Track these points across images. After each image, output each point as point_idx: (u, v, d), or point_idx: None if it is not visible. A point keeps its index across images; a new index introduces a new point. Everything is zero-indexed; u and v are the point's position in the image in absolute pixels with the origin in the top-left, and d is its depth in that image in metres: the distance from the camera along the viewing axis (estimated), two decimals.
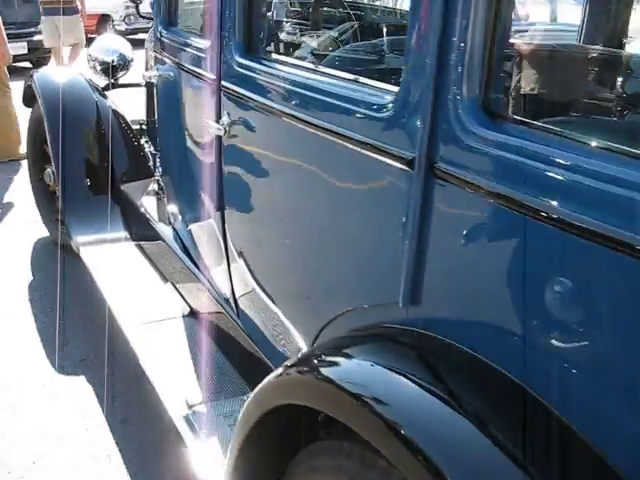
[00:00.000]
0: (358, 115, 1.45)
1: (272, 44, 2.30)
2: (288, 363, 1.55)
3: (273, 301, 2.13)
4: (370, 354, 1.45)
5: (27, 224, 4.57)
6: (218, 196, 2.17)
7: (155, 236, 3.33)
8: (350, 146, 1.48)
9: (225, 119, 2.02)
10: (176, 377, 2.44)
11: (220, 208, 2.18)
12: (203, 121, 2.21)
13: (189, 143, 2.60)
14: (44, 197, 4.17)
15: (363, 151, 1.44)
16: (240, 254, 2.23)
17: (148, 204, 3.48)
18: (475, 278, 1.28)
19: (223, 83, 2.05)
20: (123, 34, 10.67)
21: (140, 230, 3.40)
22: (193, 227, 2.87)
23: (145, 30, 11.61)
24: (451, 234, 1.30)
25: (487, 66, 1.21)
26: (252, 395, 1.62)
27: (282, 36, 2.45)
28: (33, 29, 9.34)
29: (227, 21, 1.98)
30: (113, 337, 2.94)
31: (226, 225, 2.23)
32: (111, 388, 2.92)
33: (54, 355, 3.19)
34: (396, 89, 1.36)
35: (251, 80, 1.91)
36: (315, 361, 1.51)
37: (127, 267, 3.15)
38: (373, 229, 1.50)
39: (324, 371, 1.45)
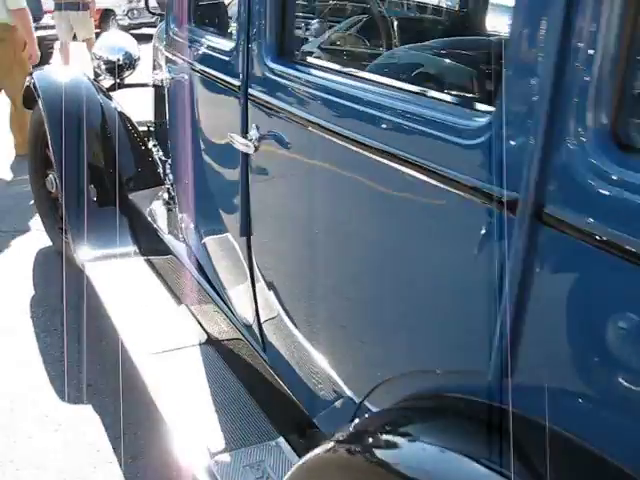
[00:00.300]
0: (435, 140, 1.12)
1: (311, 45, 1.96)
2: (338, 438, 1.25)
3: (309, 340, 1.82)
4: (444, 436, 1.15)
5: (29, 232, 4.26)
6: (243, 221, 1.85)
7: (166, 250, 3.02)
8: (423, 178, 1.17)
9: (253, 133, 1.70)
10: (193, 417, 2.14)
11: (245, 234, 1.86)
12: (226, 133, 1.89)
13: (205, 155, 2.28)
14: (46, 204, 3.85)
15: (442, 186, 1.12)
16: (270, 285, 1.91)
17: (158, 215, 3.17)
18: (597, 352, 0.97)
19: (251, 91, 1.72)
20: (126, 29, 10.32)
21: (149, 243, 3.09)
22: (209, 245, 2.55)
23: (150, 25, 11.25)
24: (562, 295, 0.99)
25: (623, 81, 0.89)
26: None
27: (324, 36, 2.08)
28: (35, 24, 9.00)
29: (256, 18, 1.65)
30: (123, 361, 2.63)
31: (253, 254, 1.91)
32: (121, 420, 2.61)
33: (58, 380, 2.88)
34: (490, 109, 1.04)
35: (285, 89, 1.59)
36: (371, 440, 1.21)
37: (137, 286, 2.84)
38: (453, 279, 1.19)
39: (383, 455, 1.16)
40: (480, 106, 1.10)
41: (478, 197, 1.05)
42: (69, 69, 4.06)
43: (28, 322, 3.30)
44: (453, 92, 1.21)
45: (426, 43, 1.83)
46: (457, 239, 1.14)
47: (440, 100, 1.18)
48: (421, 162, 1.16)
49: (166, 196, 3.19)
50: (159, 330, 2.53)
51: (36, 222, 4.13)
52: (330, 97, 1.45)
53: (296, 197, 1.68)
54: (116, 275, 2.92)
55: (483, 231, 1.07)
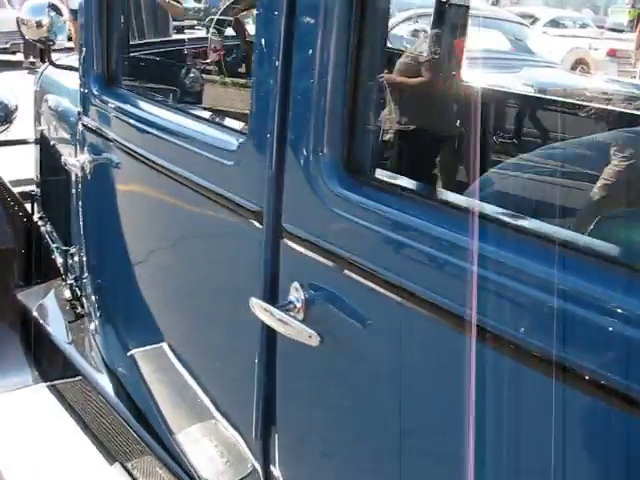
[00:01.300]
0: None
1: (402, 162, 1.23)
2: None
3: None
4: None
5: None
6: (261, 416, 1.11)
7: (73, 370, 2.18)
8: None
9: (296, 297, 0.96)
10: None
11: (263, 437, 1.13)
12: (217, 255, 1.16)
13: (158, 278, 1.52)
14: None
15: None
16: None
17: (55, 321, 2.34)
18: None
19: (288, 227, 0.98)
20: None
21: (51, 362, 2.25)
22: (149, 374, 1.80)
23: (9, 51, 9.75)
24: None
25: None
26: None
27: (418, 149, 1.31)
28: None
29: (302, 109, 0.93)
30: None
31: (274, 461, 1.16)
32: None
33: None
34: None
35: (360, 230, 0.89)
36: None
37: (45, 432, 1.98)
38: None
39: None
40: None
41: None
42: None
43: None
44: None
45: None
46: None
47: None
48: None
49: (67, 294, 2.35)
50: None
51: None
52: (428, 250, 0.80)
53: (364, 402, 0.98)
54: (12, 417, 2.05)
55: None
